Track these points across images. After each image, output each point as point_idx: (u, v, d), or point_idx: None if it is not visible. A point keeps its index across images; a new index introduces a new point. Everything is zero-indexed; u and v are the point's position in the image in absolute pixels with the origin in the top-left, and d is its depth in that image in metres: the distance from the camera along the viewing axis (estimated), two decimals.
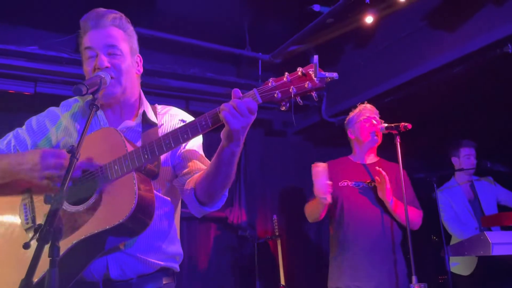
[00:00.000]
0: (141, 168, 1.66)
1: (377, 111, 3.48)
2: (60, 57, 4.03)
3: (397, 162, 3.10)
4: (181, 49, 4.58)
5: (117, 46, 1.80)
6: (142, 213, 1.59)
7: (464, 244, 3.46)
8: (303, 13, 3.94)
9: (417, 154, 5.43)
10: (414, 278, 2.84)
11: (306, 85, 1.50)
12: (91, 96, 1.59)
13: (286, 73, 1.53)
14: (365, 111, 3.44)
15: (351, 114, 3.52)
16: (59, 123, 1.91)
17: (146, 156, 1.61)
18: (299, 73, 1.51)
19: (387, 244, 3.19)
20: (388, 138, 3.28)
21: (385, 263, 3.14)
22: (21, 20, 4.12)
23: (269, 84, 1.53)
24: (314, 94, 1.53)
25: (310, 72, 1.50)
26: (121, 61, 1.80)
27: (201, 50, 4.57)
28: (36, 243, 1.25)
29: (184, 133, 1.59)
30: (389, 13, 3.85)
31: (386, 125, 3.23)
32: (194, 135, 1.59)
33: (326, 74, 1.49)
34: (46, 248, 1.26)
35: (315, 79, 1.49)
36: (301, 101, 1.54)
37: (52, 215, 1.29)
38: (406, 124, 3.10)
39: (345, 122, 3.57)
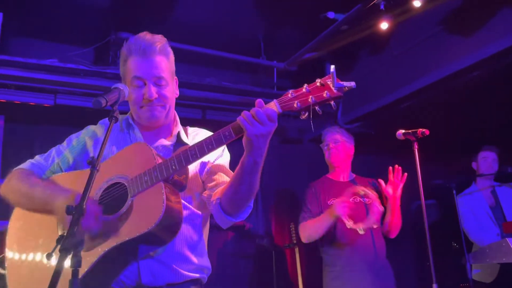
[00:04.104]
0: (168, 179, 1.72)
1: (340, 131, 3.65)
2: (79, 69, 4.11)
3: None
4: (196, 58, 4.62)
5: (164, 77, 1.88)
6: (170, 221, 1.66)
7: (486, 251, 3.40)
8: (317, 21, 3.95)
9: (436, 160, 5.36)
10: (435, 287, 2.81)
11: (324, 95, 1.54)
12: (128, 113, 1.67)
13: (305, 84, 1.58)
14: (326, 137, 3.63)
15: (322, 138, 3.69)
16: (96, 140, 2.00)
17: (173, 167, 1.68)
18: (318, 83, 1.56)
19: (378, 258, 3.31)
20: (406, 145, 3.26)
21: (378, 275, 3.26)
22: (41, 34, 4.22)
23: (289, 95, 1.58)
24: (332, 102, 1.57)
25: (328, 82, 1.54)
26: (166, 90, 1.90)
27: (217, 60, 4.61)
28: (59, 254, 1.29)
29: (209, 144, 1.65)
30: (404, 19, 3.83)
31: (403, 131, 3.21)
32: (219, 145, 1.65)
33: (344, 84, 1.53)
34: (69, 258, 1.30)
35: (333, 88, 1.53)
36: (320, 110, 1.58)
37: (73, 226, 1.32)
38: (423, 130, 3.08)
39: None
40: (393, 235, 3.41)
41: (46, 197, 1.77)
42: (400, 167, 3.24)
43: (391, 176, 3.27)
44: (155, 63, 1.87)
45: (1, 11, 3.80)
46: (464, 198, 4.30)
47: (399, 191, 3.25)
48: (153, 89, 1.85)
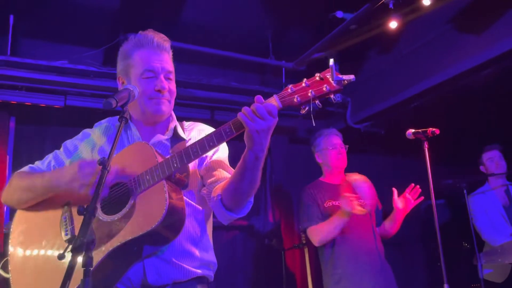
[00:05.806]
0: (170, 177, 1.73)
1: (339, 134, 3.71)
2: (88, 70, 4.14)
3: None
4: (205, 59, 4.63)
5: (172, 72, 1.97)
6: (173, 219, 1.67)
7: (497, 250, 3.37)
8: (326, 20, 3.94)
9: (446, 160, 5.33)
10: (446, 287, 2.79)
11: (324, 88, 1.55)
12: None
13: (305, 79, 1.59)
14: (331, 140, 3.62)
15: (318, 139, 3.68)
16: (92, 144, 2.01)
17: (175, 165, 1.69)
18: (317, 77, 1.57)
19: (380, 259, 3.35)
20: (416, 144, 3.24)
21: (381, 276, 3.29)
22: (51, 36, 4.25)
23: (289, 90, 1.60)
24: (332, 96, 1.58)
25: (327, 76, 1.56)
26: (173, 85, 1.98)
27: (225, 60, 4.61)
28: (71, 254, 1.29)
29: (210, 140, 1.66)
30: (413, 18, 3.81)
31: (413, 131, 3.20)
32: (220, 142, 1.65)
33: (343, 77, 1.54)
34: (80, 258, 1.29)
35: (332, 82, 1.54)
36: (320, 104, 1.59)
37: (85, 226, 1.33)
38: (433, 129, 3.07)
39: (312, 145, 3.74)
40: (386, 238, 3.53)
41: (48, 180, 1.79)
42: (420, 189, 3.28)
43: (407, 192, 3.31)
44: (166, 58, 1.96)
45: (12, 13, 3.84)
46: (477, 197, 4.25)
47: (409, 208, 3.31)
48: (166, 81, 1.91)
